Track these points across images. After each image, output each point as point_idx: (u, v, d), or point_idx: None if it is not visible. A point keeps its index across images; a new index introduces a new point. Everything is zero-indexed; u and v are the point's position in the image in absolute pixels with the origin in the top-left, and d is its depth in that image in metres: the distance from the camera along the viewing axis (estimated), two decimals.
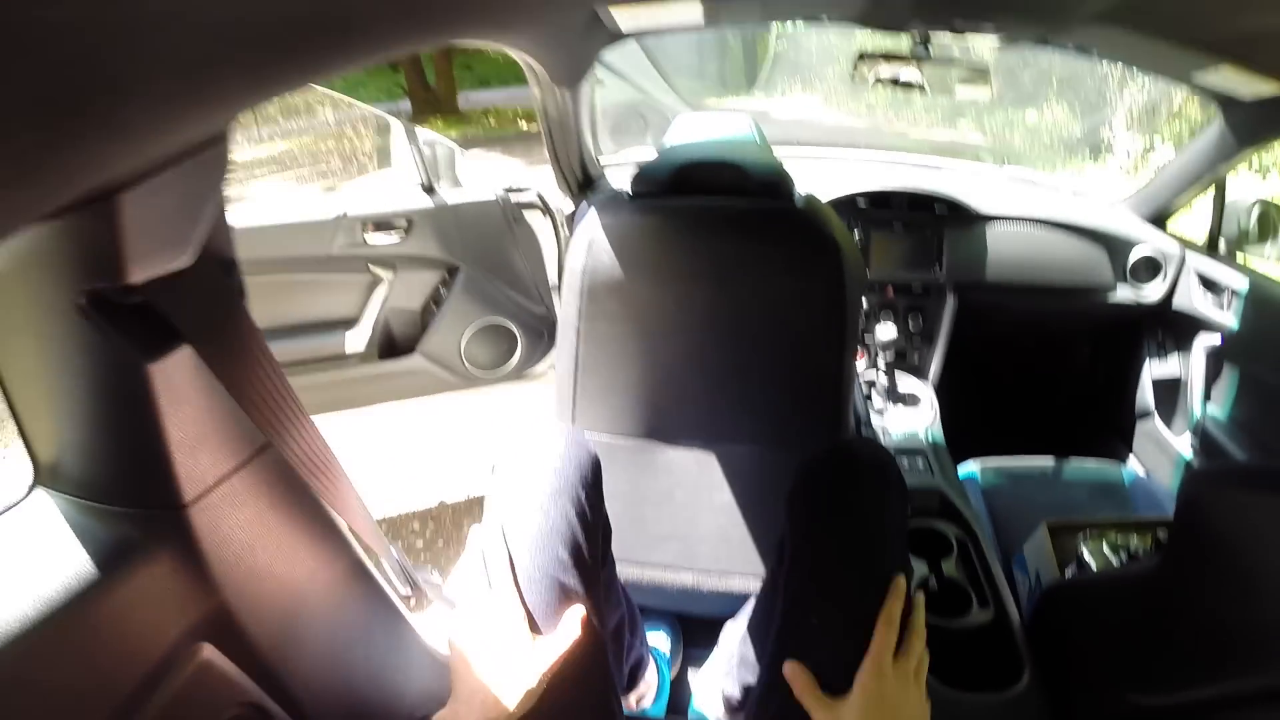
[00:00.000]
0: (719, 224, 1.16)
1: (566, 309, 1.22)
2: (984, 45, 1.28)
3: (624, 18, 1.13)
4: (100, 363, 0.51)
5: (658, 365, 1.22)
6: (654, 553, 1.17)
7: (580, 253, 1.19)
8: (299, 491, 0.67)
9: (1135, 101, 5.65)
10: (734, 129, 1.29)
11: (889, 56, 1.30)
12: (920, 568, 1.09)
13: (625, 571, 1.18)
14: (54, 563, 0.50)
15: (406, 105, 9.55)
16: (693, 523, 1.15)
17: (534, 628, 0.67)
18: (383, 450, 1.75)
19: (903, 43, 1.30)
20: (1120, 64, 1.60)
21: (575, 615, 0.68)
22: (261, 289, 0.60)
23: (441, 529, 2.17)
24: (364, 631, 0.80)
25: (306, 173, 3.43)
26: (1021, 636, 1.01)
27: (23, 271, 0.47)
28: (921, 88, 1.31)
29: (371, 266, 1.61)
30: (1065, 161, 6.18)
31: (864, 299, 1.66)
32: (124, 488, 0.55)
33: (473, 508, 2.19)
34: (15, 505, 0.55)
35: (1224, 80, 1.24)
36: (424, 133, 1.63)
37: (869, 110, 7.47)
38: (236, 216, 0.59)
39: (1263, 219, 1.58)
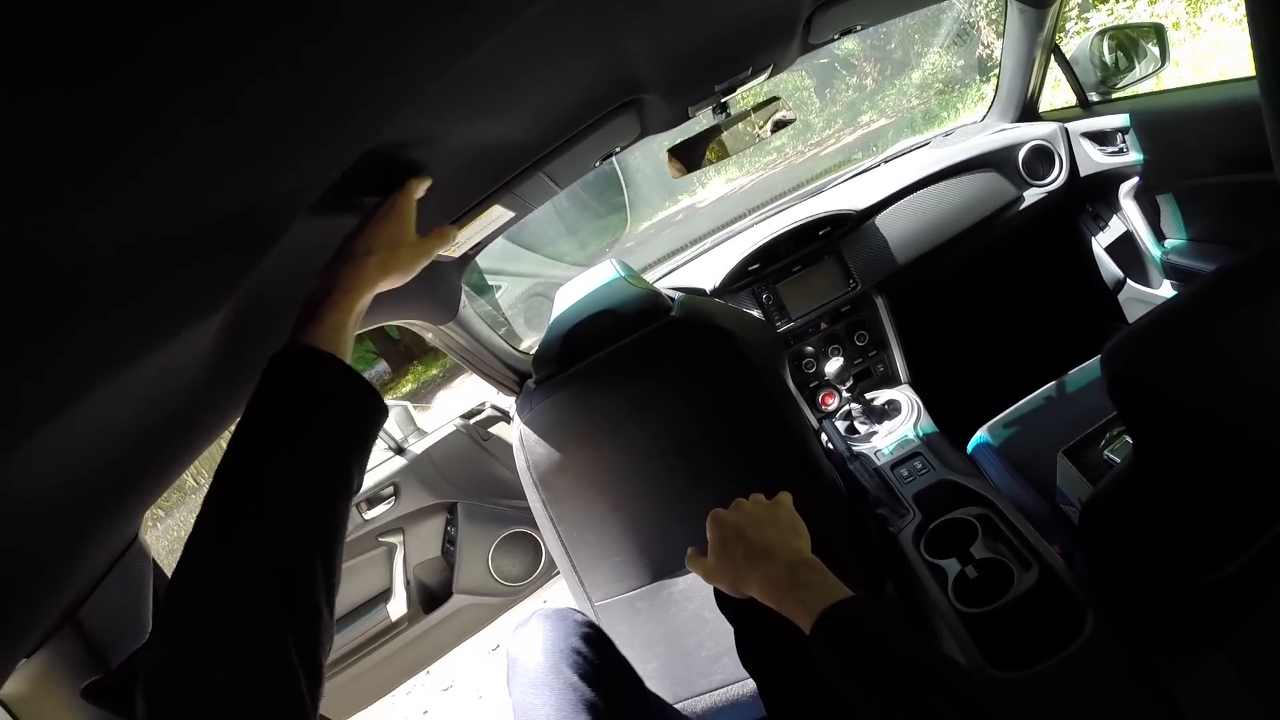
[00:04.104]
0: (617, 369, 1.22)
1: (533, 504, 1.29)
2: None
3: (453, 248, 1.25)
4: None
5: (632, 513, 1.27)
6: (712, 676, 1.17)
7: (518, 451, 1.27)
8: None
9: (984, 6, 5.75)
10: (600, 278, 1.40)
11: (695, 139, 1.37)
12: (952, 566, 1.06)
13: (695, 705, 1.17)
14: None
15: (384, 366, 9.73)
16: (732, 633, 1.16)
17: None
18: None
19: (703, 119, 1.34)
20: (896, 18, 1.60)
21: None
22: None
23: None
24: None
25: None
26: (1073, 580, 0.95)
27: (39, 683, 0.61)
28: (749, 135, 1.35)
29: (380, 538, 1.72)
30: (963, 95, 6.28)
31: (806, 345, 1.68)
32: None
33: None
34: None
35: None
36: None
37: (779, 153, 7.71)
38: None
39: (1115, 46, 1.56)
